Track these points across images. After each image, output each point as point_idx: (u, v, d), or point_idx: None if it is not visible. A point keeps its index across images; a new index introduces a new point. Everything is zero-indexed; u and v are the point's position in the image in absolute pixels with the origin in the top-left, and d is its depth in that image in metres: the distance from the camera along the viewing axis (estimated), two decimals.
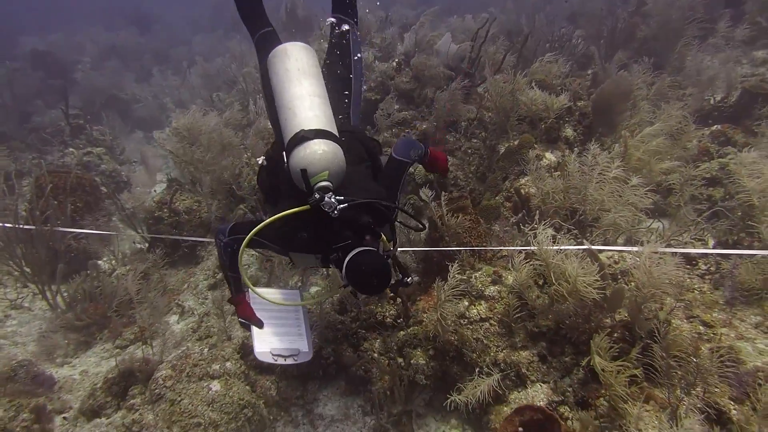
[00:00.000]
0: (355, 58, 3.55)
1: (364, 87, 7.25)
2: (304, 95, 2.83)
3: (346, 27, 3.56)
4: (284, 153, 2.75)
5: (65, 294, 5.33)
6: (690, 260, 4.20)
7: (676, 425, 2.64)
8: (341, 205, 2.53)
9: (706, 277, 4.00)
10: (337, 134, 2.77)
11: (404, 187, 3.29)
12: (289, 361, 3.34)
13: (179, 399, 3.69)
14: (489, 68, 5.98)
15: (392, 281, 2.69)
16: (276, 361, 3.32)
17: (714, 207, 4.64)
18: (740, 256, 3.73)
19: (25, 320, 5.51)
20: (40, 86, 13.90)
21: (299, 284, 5.08)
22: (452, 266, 3.61)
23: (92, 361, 4.86)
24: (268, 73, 3.08)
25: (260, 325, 3.31)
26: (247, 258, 5.48)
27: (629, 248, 3.76)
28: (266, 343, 3.35)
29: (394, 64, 7.18)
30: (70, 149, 9.98)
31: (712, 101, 6.70)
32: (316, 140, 2.63)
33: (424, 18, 8.31)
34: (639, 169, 4.60)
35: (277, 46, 3.10)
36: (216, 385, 3.77)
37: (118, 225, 6.58)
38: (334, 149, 2.65)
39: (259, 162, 3.22)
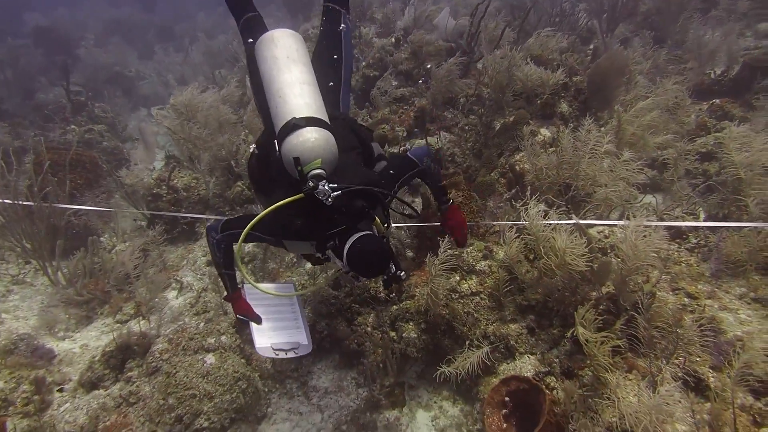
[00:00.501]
0: (346, 44, 3.53)
1: (363, 64, 7.23)
2: (293, 82, 2.81)
3: (338, 14, 3.54)
4: (276, 141, 2.74)
5: (65, 270, 5.42)
6: (681, 234, 4.22)
7: (654, 392, 2.69)
8: (335, 193, 2.55)
9: (696, 250, 4.03)
10: (328, 121, 2.76)
11: (404, 184, 3.29)
12: (290, 355, 3.35)
13: (175, 371, 3.78)
14: (485, 43, 5.94)
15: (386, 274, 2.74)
16: (277, 355, 3.32)
17: (707, 181, 4.64)
18: (726, 228, 3.76)
19: (27, 295, 5.63)
20: (43, 63, 13.94)
21: (294, 260, 5.14)
22: (443, 241, 3.65)
23: (93, 335, 4.97)
24: (256, 61, 3.05)
25: (258, 320, 3.28)
26: None
27: (615, 222, 3.77)
28: (266, 337, 3.35)
29: (393, 40, 7.14)
30: (72, 126, 10.02)
31: (712, 75, 6.63)
32: (308, 128, 2.62)
33: None
34: (633, 144, 4.59)
35: (263, 32, 3.07)
36: (211, 358, 3.86)
37: (119, 202, 6.65)
38: (326, 137, 2.64)
39: (251, 150, 3.19)
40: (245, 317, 3.26)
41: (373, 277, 2.77)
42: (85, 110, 10.74)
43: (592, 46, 7.73)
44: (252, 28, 3.29)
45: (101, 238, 6.27)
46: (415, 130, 5.90)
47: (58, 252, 5.41)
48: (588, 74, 5.42)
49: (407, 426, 3.86)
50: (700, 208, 4.41)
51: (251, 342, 3.43)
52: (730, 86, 6.45)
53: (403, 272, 2.81)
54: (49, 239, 5.49)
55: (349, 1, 3.59)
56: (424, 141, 5.50)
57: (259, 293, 3.40)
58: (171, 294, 5.33)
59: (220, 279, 3.32)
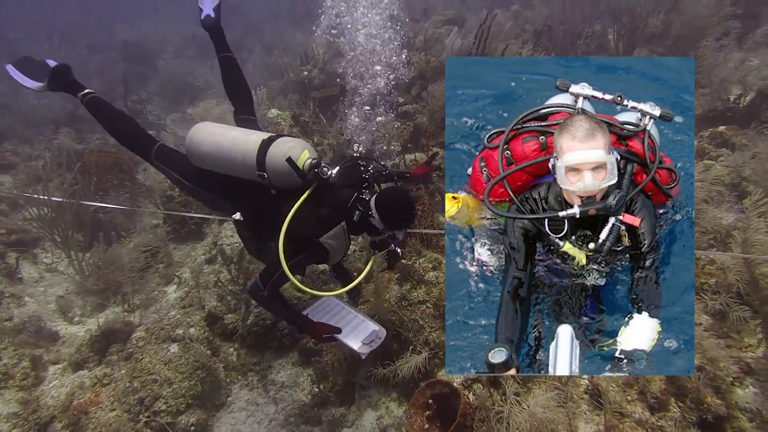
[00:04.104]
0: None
1: None
2: (241, 132, 3.07)
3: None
4: (258, 173, 2.91)
5: (84, 262, 5.98)
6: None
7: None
8: (334, 169, 2.89)
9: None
10: None
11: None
12: (377, 343, 3.56)
13: (141, 357, 4.21)
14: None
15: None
16: (372, 347, 3.52)
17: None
18: None
19: (56, 282, 6.23)
20: (126, 74, 15.20)
21: None
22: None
23: (101, 322, 5.46)
24: (199, 150, 3.10)
25: (339, 330, 3.34)
26: None
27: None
28: (354, 339, 3.43)
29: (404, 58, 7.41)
30: None
31: (730, 101, 6.46)
32: (280, 138, 2.94)
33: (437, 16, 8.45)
34: None
35: (177, 153, 3.38)
36: (174, 348, 4.25)
37: (143, 202, 7.23)
38: (298, 139, 3.00)
39: (235, 218, 3.13)
40: (329, 334, 3.26)
41: (412, 219, 2.94)
42: (140, 117, 11.65)
43: None
44: (165, 153, 3.38)
45: (131, 234, 6.85)
46: (409, 145, 6.13)
47: (74, 244, 5.98)
48: None
49: (352, 423, 4.09)
50: None
51: (346, 350, 3.54)
52: (743, 113, 6.30)
53: (398, 248, 3.06)
54: (82, 233, 6.14)
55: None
56: (414, 156, 5.71)
57: (319, 311, 3.58)
58: (171, 288, 5.78)
59: (287, 323, 3.53)
